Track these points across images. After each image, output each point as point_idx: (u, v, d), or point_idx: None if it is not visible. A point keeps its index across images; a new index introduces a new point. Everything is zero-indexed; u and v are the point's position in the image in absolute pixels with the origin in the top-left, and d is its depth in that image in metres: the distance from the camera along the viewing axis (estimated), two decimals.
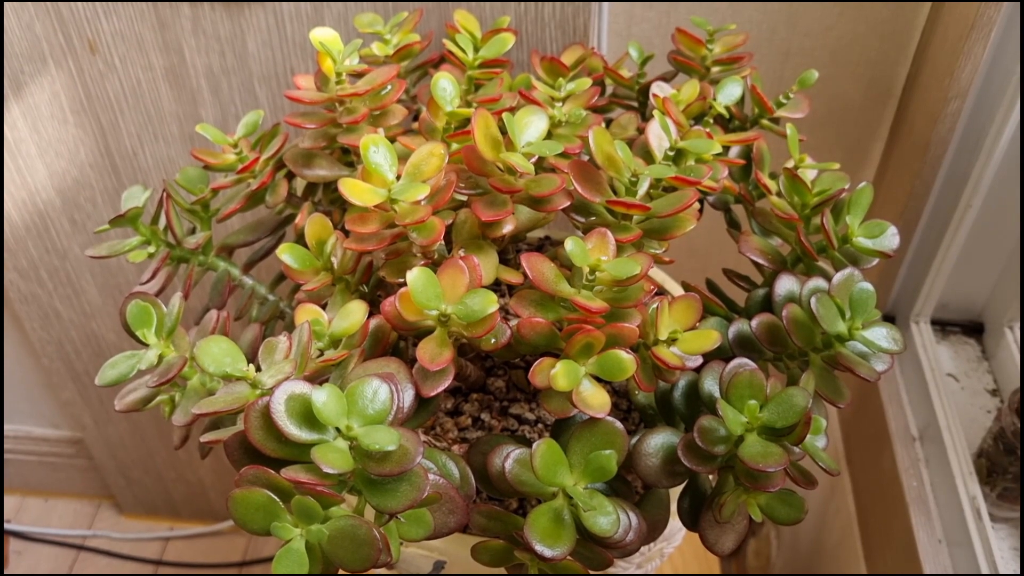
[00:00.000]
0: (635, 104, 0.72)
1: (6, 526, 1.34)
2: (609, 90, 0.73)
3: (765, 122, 0.67)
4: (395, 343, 0.54)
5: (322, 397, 0.40)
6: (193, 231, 0.63)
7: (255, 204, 0.62)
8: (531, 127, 0.51)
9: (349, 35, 0.78)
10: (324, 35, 0.56)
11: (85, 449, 1.32)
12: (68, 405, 1.20)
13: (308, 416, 0.41)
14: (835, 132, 0.86)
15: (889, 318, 0.91)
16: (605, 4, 0.77)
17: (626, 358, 0.46)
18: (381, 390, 0.42)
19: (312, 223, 0.54)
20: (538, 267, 0.48)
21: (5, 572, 1.29)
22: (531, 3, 0.75)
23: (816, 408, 0.54)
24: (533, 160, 0.52)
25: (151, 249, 0.60)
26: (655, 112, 0.55)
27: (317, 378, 0.50)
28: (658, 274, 0.74)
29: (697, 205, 0.57)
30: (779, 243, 0.62)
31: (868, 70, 0.81)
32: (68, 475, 1.38)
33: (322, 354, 0.50)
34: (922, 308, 0.87)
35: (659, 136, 0.56)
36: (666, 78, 0.71)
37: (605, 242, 0.49)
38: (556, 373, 0.46)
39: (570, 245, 0.46)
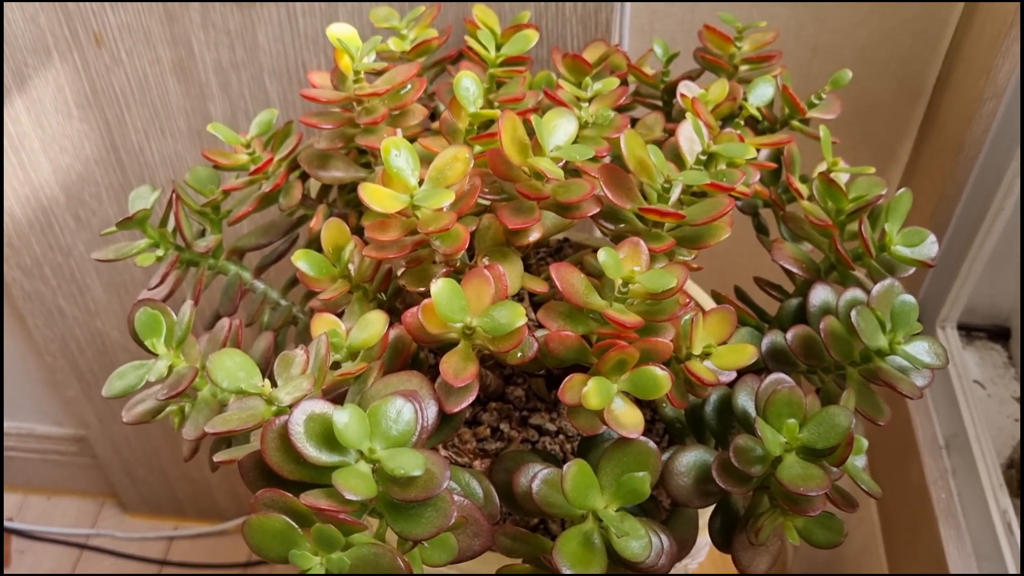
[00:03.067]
0: (659, 103, 0.69)
1: (8, 524, 1.32)
2: (632, 88, 0.71)
3: (795, 123, 0.65)
4: (415, 354, 0.52)
5: (344, 418, 0.38)
6: (203, 233, 0.61)
7: (268, 206, 0.59)
8: (560, 130, 0.49)
9: (364, 30, 0.75)
10: (342, 31, 0.54)
11: (89, 447, 1.30)
12: (71, 403, 1.18)
13: (329, 437, 0.39)
14: (862, 131, 0.83)
15: None
16: (627, 2, 0.75)
17: (661, 375, 0.44)
18: (405, 410, 0.40)
19: (329, 228, 0.51)
20: (568, 278, 0.46)
21: (6, 572, 1.27)
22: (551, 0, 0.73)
23: (855, 426, 0.52)
24: (561, 164, 0.50)
25: (159, 252, 0.58)
26: (688, 115, 0.52)
27: (334, 392, 0.47)
28: None
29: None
30: (810, 250, 0.60)
31: (898, 68, 0.79)
32: (71, 473, 1.36)
33: (339, 366, 0.48)
34: (949, 313, 0.85)
35: (691, 139, 0.53)
36: (692, 76, 0.69)
37: (638, 252, 0.47)
38: (588, 391, 0.43)
39: (603, 256, 0.44)
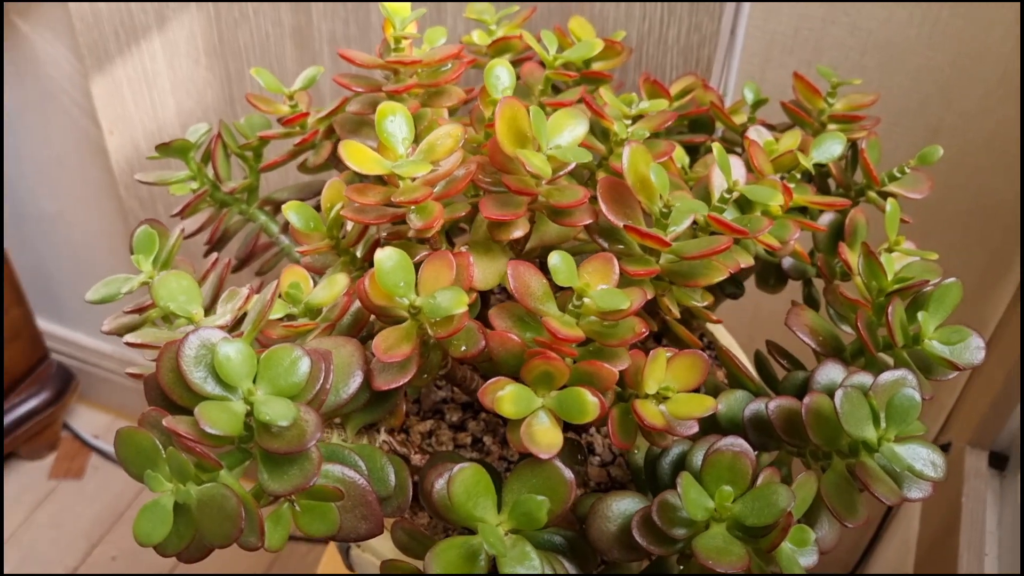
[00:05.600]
0: (739, 151, 0.65)
1: (92, 441, 1.41)
2: (719, 132, 0.67)
3: (872, 195, 0.59)
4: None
5: (228, 351, 0.37)
6: (246, 179, 0.62)
7: (304, 165, 0.60)
8: (566, 130, 0.47)
9: (468, 25, 0.75)
10: (394, 3, 0.54)
11: None
12: None
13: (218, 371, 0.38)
14: (979, 230, 0.75)
15: (1000, 457, 0.78)
16: (739, 41, 0.71)
17: (590, 400, 0.41)
18: (302, 362, 0.39)
19: (330, 187, 0.51)
20: (523, 278, 0.43)
21: (78, 483, 1.35)
22: (657, 8, 0.70)
23: (822, 522, 0.46)
24: (568, 169, 0.47)
25: (194, 185, 0.60)
26: (714, 147, 0.48)
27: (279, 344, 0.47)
28: (725, 337, 0.67)
29: (745, 261, 0.50)
30: (850, 331, 0.54)
31: None
32: None
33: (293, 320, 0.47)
34: None
35: (721, 176, 0.49)
36: (776, 127, 0.64)
37: (608, 269, 0.43)
38: (503, 396, 0.40)
39: (555, 259, 0.41)
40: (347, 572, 0.93)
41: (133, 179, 1.04)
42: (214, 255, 0.52)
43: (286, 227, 0.63)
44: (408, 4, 0.54)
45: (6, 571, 1.21)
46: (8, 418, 1.25)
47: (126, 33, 0.91)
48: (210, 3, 0.84)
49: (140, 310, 0.48)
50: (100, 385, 1.44)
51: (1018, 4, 0.64)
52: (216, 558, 1.24)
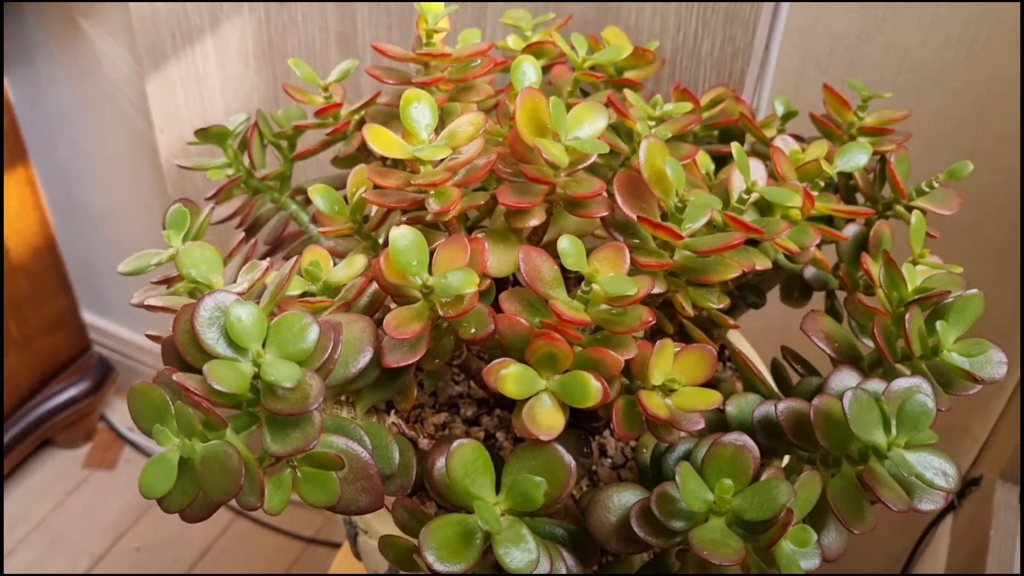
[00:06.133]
0: (768, 163, 0.65)
1: (126, 433, 1.44)
2: (747, 146, 0.67)
3: (899, 208, 0.58)
4: None
5: (241, 313, 0.38)
6: None
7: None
8: (586, 123, 0.47)
9: (506, 34, 0.77)
10: (430, 2, 0.55)
11: None
12: None
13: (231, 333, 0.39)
14: (1013, 258, 0.74)
15: None
16: (772, 57, 0.71)
17: (593, 384, 0.41)
18: (311, 329, 0.39)
19: (356, 172, 0.52)
20: (534, 263, 0.43)
21: (109, 473, 1.38)
22: (691, 21, 0.71)
23: (829, 528, 0.45)
24: (588, 163, 0.48)
25: (230, 171, 0.61)
26: (733, 148, 0.49)
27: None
28: (748, 349, 0.66)
29: (761, 263, 0.50)
30: (870, 344, 0.53)
31: None
32: None
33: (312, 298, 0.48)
34: None
35: (740, 177, 0.50)
36: (806, 140, 0.64)
37: (619, 258, 0.44)
38: (506, 374, 0.41)
39: (564, 243, 0.42)
40: (360, 573, 0.93)
41: (180, 176, 1.07)
42: (241, 234, 0.54)
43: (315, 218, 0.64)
44: (442, 4, 0.55)
45: (26, 559, 1.24)
46: (48, 405, 1.28)
47: (182, 35, 0.94)
48: (260, 6, 0.87)
49: (167, 281, 0.50)
50: (139, 379, 1.46)
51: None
52: (236, 559, 1.25)
